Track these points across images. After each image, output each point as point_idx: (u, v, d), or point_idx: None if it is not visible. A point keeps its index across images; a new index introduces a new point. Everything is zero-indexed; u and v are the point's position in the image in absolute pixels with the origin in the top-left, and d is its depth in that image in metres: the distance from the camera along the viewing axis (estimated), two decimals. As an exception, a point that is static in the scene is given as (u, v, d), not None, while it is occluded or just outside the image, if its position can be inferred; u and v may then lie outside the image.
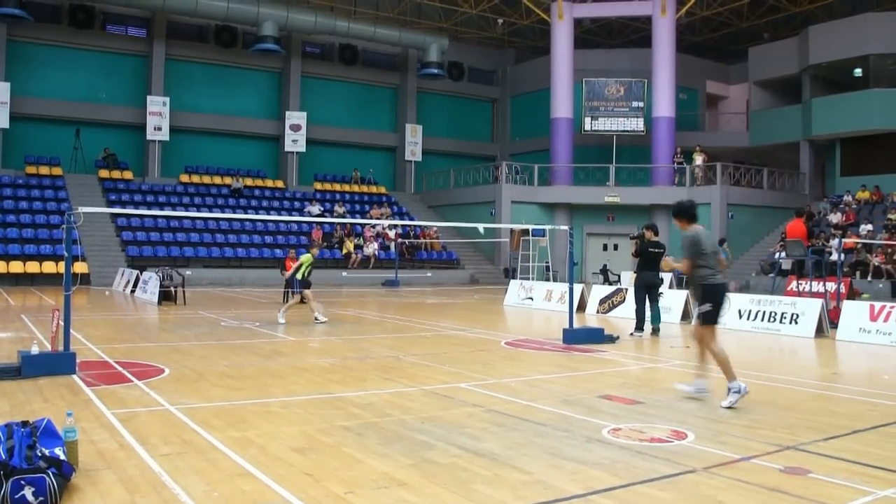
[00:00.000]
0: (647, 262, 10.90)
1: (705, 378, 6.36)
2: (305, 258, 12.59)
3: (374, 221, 10.39)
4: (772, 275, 17.29)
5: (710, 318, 6.05)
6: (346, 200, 32.37)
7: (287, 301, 12.87)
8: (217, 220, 27.70)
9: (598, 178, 32.00)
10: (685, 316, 13.50)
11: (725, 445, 4.93)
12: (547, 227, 16.50)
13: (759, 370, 8.00)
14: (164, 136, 30.15)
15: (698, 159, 29.96)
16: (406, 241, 29.42)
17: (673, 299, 13.75)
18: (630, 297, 14.37)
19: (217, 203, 29.09)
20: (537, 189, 31.42)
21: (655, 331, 10.98)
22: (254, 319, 12.88)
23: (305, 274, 12.52)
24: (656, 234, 11.13)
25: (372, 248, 28.06)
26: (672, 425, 5.41)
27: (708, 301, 6.02)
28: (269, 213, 27.73)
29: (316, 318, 12.51)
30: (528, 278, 24.99)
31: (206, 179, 30.81)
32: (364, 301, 19.66)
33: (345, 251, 27.69)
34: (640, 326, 10.99)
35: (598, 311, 14.92)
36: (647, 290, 10.96)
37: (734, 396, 5.94)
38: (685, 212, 6.23)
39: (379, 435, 5.10)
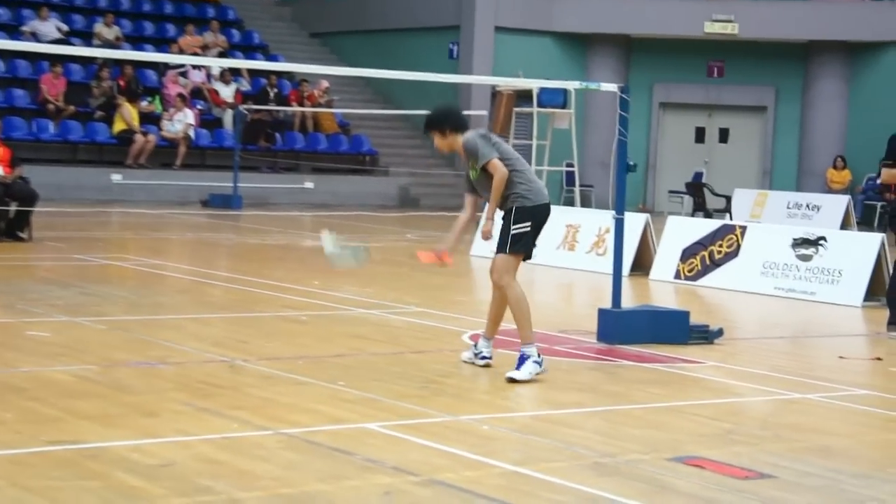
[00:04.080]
0: None
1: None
2: None
3: (183, 60, 9.96)
4: None
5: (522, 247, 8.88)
6: (122, 12, 32.12)
7: None
8: None
9: None
10: (874, 290, 14.17)
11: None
12: (572, 85, 16.39)
13: None
14: None
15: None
16: (260, 110, 29.34)
17: (850, 249, 14.31)
18: (759, 239, 15.26)
19: None
20: (552, 2, 31.74)
21: None
22: None
23: None
24: None
25: (181, 124, 27.88)
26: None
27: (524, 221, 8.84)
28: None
29: None
30: (526, 199, 25.20)
31: None
32: (161, 238, 19.63)
33: (119, 128, 27.46)
34: None
35: (679, 275, 15.90)
36: None
37: (533, 367, 8.60)
38: (444, 117, 8.98)
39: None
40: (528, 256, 8.86)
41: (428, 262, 9.01)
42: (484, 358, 9.02)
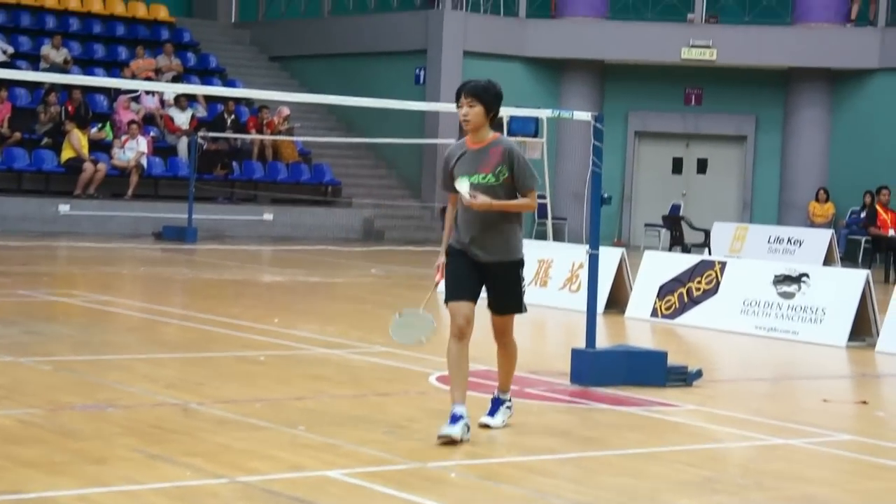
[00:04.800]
0: None
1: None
2: None
3: (135, 85, 9.93)
4: None
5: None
6: (71, 33, 32.09)
7: None
8: None
9: (667, 7, 32.77)
10: (859, 330, 14.24)
11: None
12: (544, 113, 16.43)
13: None
14: None
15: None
16: (217, 137, 29.30)
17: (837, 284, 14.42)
18: (741, 275, 15.25)
19: None
20: (524, 25, 32.01)
21: None
22: None
23: None
24: None
25: (133, 152, 27.78)
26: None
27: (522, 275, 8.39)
28: None
29: None
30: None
31: None
32: (111, 273, 19.52)
33: (67, 156, 27.34)
34: None
35: (656, 313, 16.00)
36: None
37: (506, 413, 8.53)
38: (497, 99, 8.20)
39: None
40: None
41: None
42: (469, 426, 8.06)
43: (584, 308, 10.70)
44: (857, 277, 14.34)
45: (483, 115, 8.01)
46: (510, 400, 8.54)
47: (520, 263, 8.22)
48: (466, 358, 8.19)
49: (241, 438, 7.86)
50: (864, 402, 10.59)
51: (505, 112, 22.26)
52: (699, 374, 10.86)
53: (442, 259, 8.33)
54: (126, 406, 8.76)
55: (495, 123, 8.23)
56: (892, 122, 30.25)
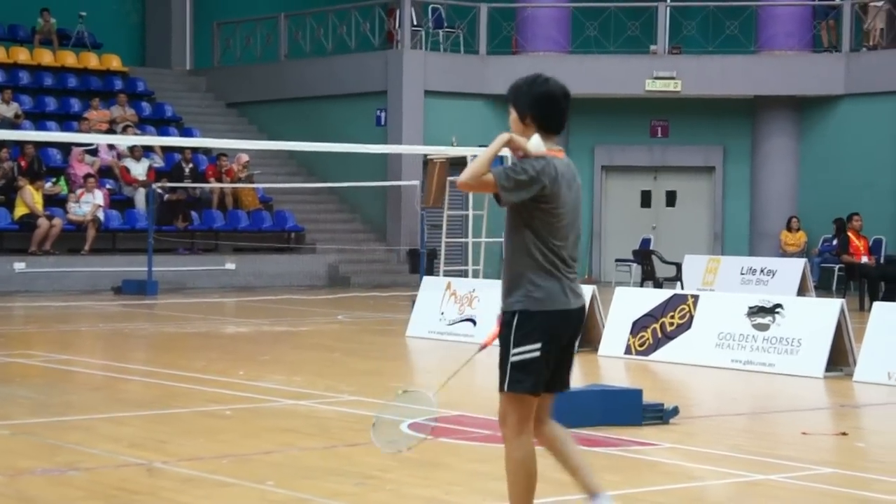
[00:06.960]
0: None
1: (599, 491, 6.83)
2: None
3: (89, 139, 9.90)
4: None
5: (525, 380, 6.31)
6: (21, 87, 32.04)
7: None
8: None
9: (629, 39, 32.87)
10: (836, 360, 14.26)
11: None
12: (509, 151, 16.56)
13: None
14: None
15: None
16: (175, 188, 29.24)
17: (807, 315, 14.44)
18: (727, 312, 15.23)
19: None
20: (485, 62, 32.09)
21: None
22: None
23: None
24: None
25: (89, 206, 27.68)
26: None
27: (532, 340, 6.28)
28: None
29: None
30: (464, 273, 25.22)
31: None
32: (70, 331, 19.50)
33: (20, 213, 27.21)
34: None
35: (630, 350, 16.01)
36: None
37: None
38: (526, 98, 6.54)
39: None
40: (544, 389, 6.49)
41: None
42: None
43: (556, 348, 10.70)
44: (831, 307, 14.36)
45: (517, 122, 6.58)
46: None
47: (511, 315, 6.32)
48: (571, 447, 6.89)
49: (207, 497, 7.82)
50: (844, 434, 10.61)
51: (468, 151, 22.61)
52: (676, 411, 10.87)
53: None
54: (88, 468, 8.70)
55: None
56: (860, 148, 30.41)
